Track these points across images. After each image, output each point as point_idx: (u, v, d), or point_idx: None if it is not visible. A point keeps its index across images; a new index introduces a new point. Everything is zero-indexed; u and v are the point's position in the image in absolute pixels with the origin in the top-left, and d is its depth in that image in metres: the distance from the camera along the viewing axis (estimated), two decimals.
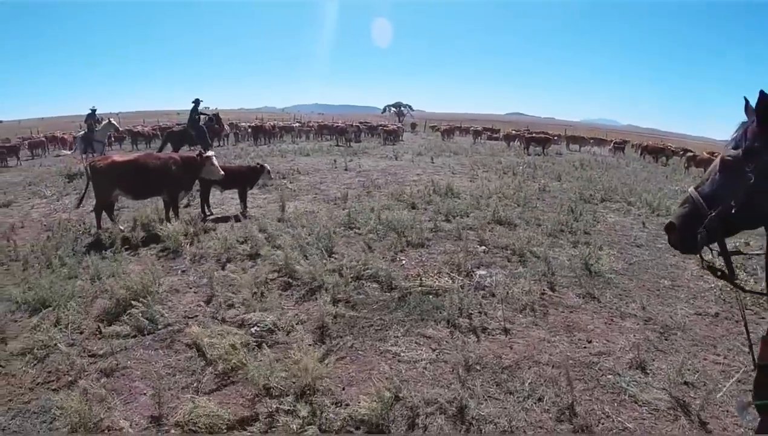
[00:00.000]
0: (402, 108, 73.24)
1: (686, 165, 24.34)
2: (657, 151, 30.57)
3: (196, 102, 18.68)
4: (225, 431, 3.56)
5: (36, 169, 20.11)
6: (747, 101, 2.01)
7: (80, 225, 9.25)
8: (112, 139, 22.13)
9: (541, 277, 6.24)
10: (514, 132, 36.96)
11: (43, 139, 30.28)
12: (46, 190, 14.23)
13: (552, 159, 23.26)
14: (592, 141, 36.82)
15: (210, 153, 9.29)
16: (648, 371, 4.28)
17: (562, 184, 14.12)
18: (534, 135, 31.68)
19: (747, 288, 2.49)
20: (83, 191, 9.32)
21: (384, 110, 76.02)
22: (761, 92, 1.92)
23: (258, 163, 11.08)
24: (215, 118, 20.79)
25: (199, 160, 9.03)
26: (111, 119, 18.97)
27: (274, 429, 3.57)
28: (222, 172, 9.21)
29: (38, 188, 14.69)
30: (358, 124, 38.18)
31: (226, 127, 24.36)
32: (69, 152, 18.44)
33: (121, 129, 21.21)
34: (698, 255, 2.29)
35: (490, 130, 43.24)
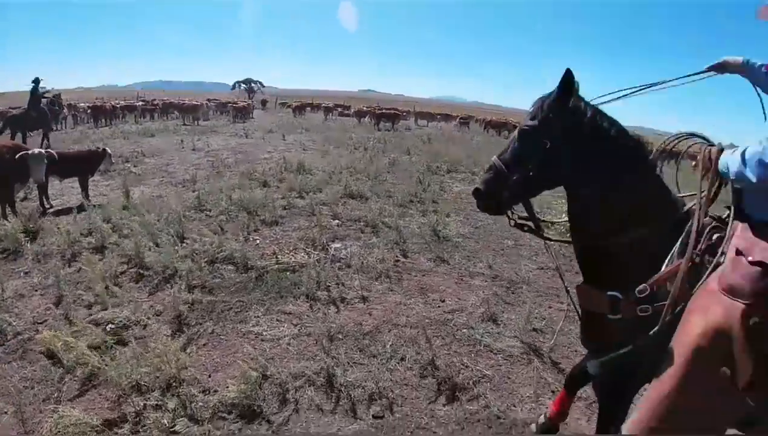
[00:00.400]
0: (252, 84, 71.53)
1: None
2: (499, 125, 32.90)
3: (36, 81, 17.19)
4: None
5: None
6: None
7: None
8: None
9: (394, 245, 6.50)
10: (365, 108, 37.55)
11: None
12: None
13: (401, 134, 24.06)
14: (439, 117, 38.57)
15: (34, 151, 8.36)
16: (499, 323, 4.65)
17: (411, 157, 14.67)
18: (384, 111, 32.45)
19: (554, 237, 2.82)
20: None
21: (234, 87, 73.87)
22: (567, 70, 2.24)
23: (98, 147, 10.31)
24: (55, 100, 19.05)
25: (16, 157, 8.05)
26: None
27: (144, 427, 3.46)
28: (41, 176, 8.37)
29: None
30: (206, 101, 36.62)
31: (65, 109, 22.22)
32: None
33: None
34: (506, 215, 2.60)
35: (342, 106, 43.62)
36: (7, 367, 4.23)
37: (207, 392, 3.71)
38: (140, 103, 36.89)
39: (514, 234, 7.06)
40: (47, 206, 9.05)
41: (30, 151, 8.15)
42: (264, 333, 4.54)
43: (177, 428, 3.35)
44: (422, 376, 3.87)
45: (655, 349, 2.02)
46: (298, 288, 5.28)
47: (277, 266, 5.78)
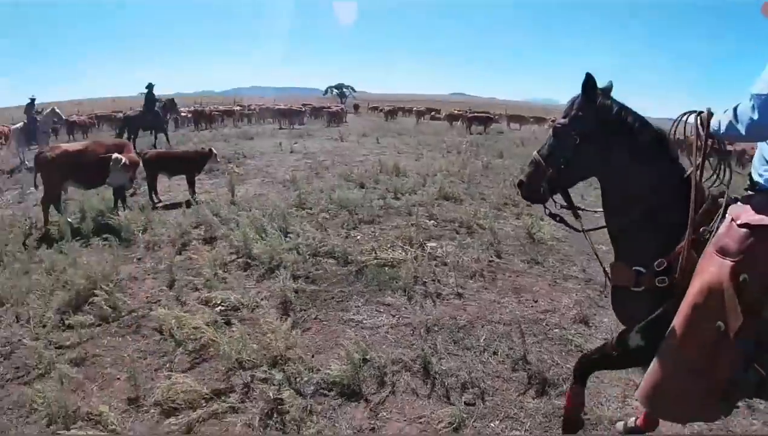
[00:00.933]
0: (344, 89, 72.85)
1: None
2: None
3: (150, 86, 18.96)
4: (204, 404, 3.74)
5: None
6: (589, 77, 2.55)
7: (25, 220, 9.07)
8: (57, 128, 21.27)
9: (488, 246, 6.58)
10: (456, 112, 37.35)
11: None
12: None
13: (494, 137, 23.90)
14: (532, 119, 37.77)
15: (116, 155, 8.89)
16: (590, 325, 4.67)
17: (504, 161, 14.57)
18: (476, 114, 32.22)
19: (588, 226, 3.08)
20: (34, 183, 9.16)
21: (326, 92, 75.48)
22: (587, 74, 2.53)
23: (203, 148, 11.04)
24: (168, 104, 20.74)
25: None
26: (54, 108, 18.28)
27: (251, 398, 3.79)
28: (128, 178, 8.99)
29: None
30: (300, 106, 37.84)
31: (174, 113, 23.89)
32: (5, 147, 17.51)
33: (63, 118, 20.42)
34: (544, 206, 2.92)
35: (433, 110, 43.59)
36: (122, 340, 4.75)
37: (311, 370, 4.00)
38: (237, 108, 38.76)
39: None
40: (156, 201, 9.85)
41: (113, 156, 8.78)
42: (364, 321, 4.81)
43: (283, 396, 3.66)
44: (514, 369, 3.98)
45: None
46: (396, 282, 5.50)
47: (375, 261, 6.04)
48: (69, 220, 8.36)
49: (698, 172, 2.38)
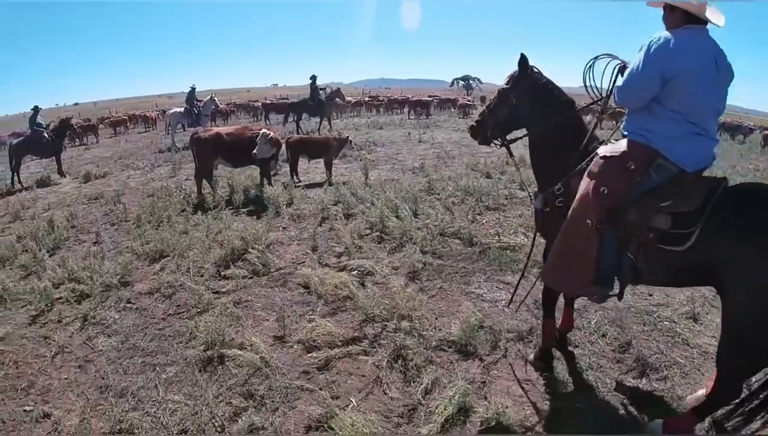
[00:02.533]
0: (470, 81, 71.74)
1: (762, 143, 23.65)
2: (734, 127, 29.16)
3: (313, 78, 21.24)
4: (340, 345, 4.44)
5: (122, 145, 21.89)
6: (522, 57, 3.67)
7: (179, 191, 10.45)
8: (216, 113, 23.82)
9: None
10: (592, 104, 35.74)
11: (125, 117, 32.64)
12: (137, 163, 15.77)
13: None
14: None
15: (263, 130, 9.88)
16: (701, 322, 4.74)
17: None
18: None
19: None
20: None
21: (452, 84, 74.66)
22: (521, 54, 3.66)
23: (341, 135, 11.95)
24: (334, 93, 22.58)
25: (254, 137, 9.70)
26: (213, 96, 20.50)
27: (381, 344, 4.44)
28: (273, 151, 9.90)
29: (129, 161, 16.27)
30: (428, 97, 38.31)
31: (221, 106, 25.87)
32: (175, 130, 19.96)
33: (220, 106, 23.01)
34: (493, 143, 4.18)
35: None
36: (270, 291, 5.64)
37: (434, 329, 4.58)
38: (367, 99, 40.15)
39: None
40: (297, 181, 10.87)
41: (261, 131, 9.83)
42: (484, 295, 5.29)
43: (407, 343, 4.29)
44: (619, 351, 4.24)
45: None
46: (517, 264, 5.89)
47: (498, 244, 6.47)
48: (219, 193, 9.55)
49: (598, 123, 3.62)
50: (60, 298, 5.75)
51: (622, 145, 3.10)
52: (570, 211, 3.20)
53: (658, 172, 2.97)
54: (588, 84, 3.49)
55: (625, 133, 3.16)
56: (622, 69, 3.23)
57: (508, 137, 4.13)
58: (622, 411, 3.56)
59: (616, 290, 3.28)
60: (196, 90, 20.73)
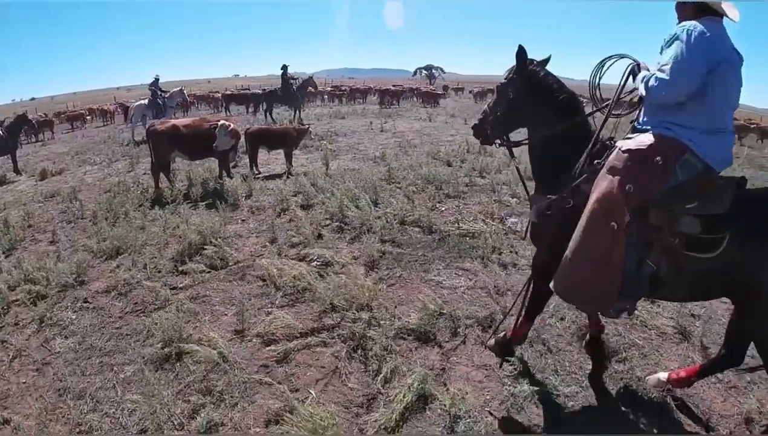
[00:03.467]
0: (433, 70, 71.84)
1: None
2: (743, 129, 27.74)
3: (284, 67, 21.50)
4: (299, 337, 4.38)
5: (80, 140, 21.37)
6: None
7: (137, 185, 10.21)
8: (180, 106, 23.33)
9: None
10: None
11: (83, 111, 31.98)
12: (95, 158, 15.42)
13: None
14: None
15: (222, 122, 9.79)
16: (659, 304, 4.77)
17: None
18: None
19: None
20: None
21: (415, 73, 74.72)
22: (519, 46, 3.31)
23: (302, 124, 11.81)
24: (307, 82, 22.70)
25: (211, 129, 9.59)
26: (182, 87, 20.17)
27: (340, 335, 4.39)
28: (232, 142, 9.79)
29: (86, 157, 15.89)
30: (393, 87, 38.27)
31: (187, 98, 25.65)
32: (137, 123, 19.45)
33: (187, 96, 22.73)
34: (495, 143, 3.84)
35: None
36: (229, 285, 5.54)
37: (393, 318, 4.56)
38: (329, 88, 40.02)
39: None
40: (256, 172, 10.73)
41: (220, 123, 9.70)
42: (443, 282, 5.29)
43: (369, 334, 4.26)
44: (578, 335, 4.26)
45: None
46: (476, 251, 5.91)
47: (458, 231, 6.48)
48: (177, 186, 9.36)
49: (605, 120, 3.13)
50: (16, 300, 5.56)
51: (646, 138, 2.81)
52: (588, 215, 2.85)
53: (683, 169, 2.74)
54: (596, 84, 3.25)
55: (647, 127, 2.90)
56: (634, 69, 3.00)
57: (512, 137, 3.78)
58: (582, 394, 3.60)
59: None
60: (159, 81, 20.26)
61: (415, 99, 35.69)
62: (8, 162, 15.12)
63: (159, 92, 19.40)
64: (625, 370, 3.83)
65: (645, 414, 3.41)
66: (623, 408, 3.48)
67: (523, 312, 3.68)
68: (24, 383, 4.22)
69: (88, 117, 32.18)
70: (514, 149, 3.84)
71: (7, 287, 5.74)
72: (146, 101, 19.61)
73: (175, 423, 3.50)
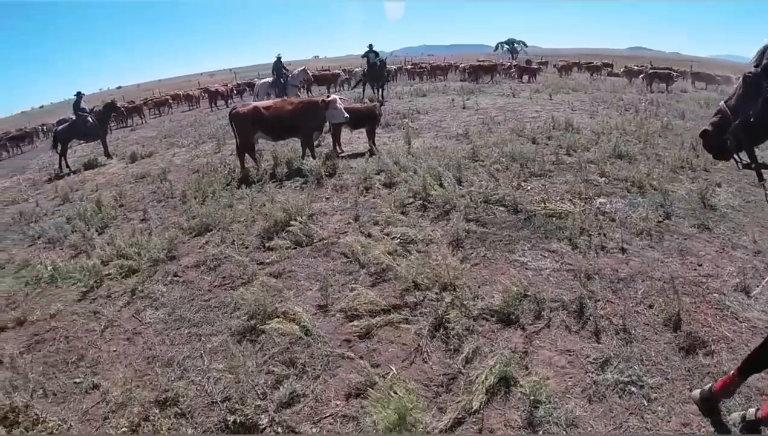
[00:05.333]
0: (515, 45, 70.07)
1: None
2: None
3: (370, 46, 21.64)
4: (382, 314, 4.47)
5: (167, 125, 22.42)
6: None
7: (224, 166, 10.66)
8: (303, 85, 23.95)
9: (659, 207, 6.50)
10: (635, 67, 34.47)
11: (168, 97, 33.46)
12: (182, 141, 16.28)
13: (676, 96, 21.96)
14: (719, 78, 33.77)
15: (333, 96, 9.98)
16: (751, 296, 4.52)
17: (685, 122, 13.51)
18: (657, 71, 29.55)
19: None
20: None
21: (497, 48, 73.18)
22: None
23: (381, 103, 11.90)
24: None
25: (322, 104, 9.78)
26: (305, 67, 20.76)
27: (422, 313, 4.44)
28: (346, 115, 9.85)
29: (174, 140, 16.79)
30: (478, 61, 37.52)
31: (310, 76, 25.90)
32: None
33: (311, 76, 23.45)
34: (733, 159, 2.68)
35: (609, 65, 40.25)
36: (314, 261, 5.73)
37: (476, 298, 4.55)
38: (409, 66, 39.78)
39: None
40: (340, 151, 10.92)
41: (330, 97, 9.94)
42: (528, 263, 5.22)
43: (450, 316, 4.25)
44: (666, 324, 4.11)
45: None
46: (562, 232, 5.78)
47: (544, 211, 6.35)
48: (263, 166, 9.70)
49: None
50: (109, 274, 6.01)
51: None
52: None
53: None
54: None
55: None
56: None
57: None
58: (667, 386, 3.47)
59: None
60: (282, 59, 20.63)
61: (506, 75, 34.70)
62: (99, 147, 16.23)
63: (283, 71, 19.72)
64: (712, 364, 3.65)
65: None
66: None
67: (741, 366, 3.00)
68: (114, 351, 4.56)
69: (173, 103, 33.60)
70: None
71: (101, 261, 6.19)
72: (270, 80, 20.06)
73: (258, 393, 3.65)
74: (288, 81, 19.54)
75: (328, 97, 10.02)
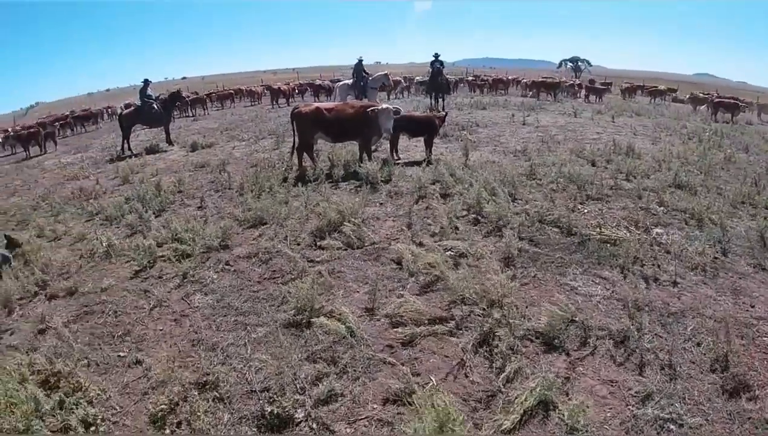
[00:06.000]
0: (579, 63, 68.68)
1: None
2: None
3: (436, 55, 21.34)
4: (427, 323, 4.56)
5: (228, 118, 22.99)
6: None
7: (282, 163, 10.94)
8: (384, 88, 24.25)
9: (716, 242, 6.34)
10: (701, 95, 33.13)
11: (231, 91, 34.16)
12: (243, 135, 16.63)
13: (741, 128, 21.01)
14: None
15: (383, 105, 10.05)
16: None
17: (749, 156, 12.99)
18: (723, 100, 28.38)
19: None
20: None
21: (560, 65, 71.88)
22: None
23: (437, 113, 11.95)
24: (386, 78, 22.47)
25: (371, 113, 9.84)
26: (387, 71, 20.99)
27: (467, 327, 4.51)
28: (389, 128, 9.99)
29: (234, 133, 17.19)
30: (544, 78, 36.79)
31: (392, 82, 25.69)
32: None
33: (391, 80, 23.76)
34: None
35: (673, 91, 38.68)
36: (363, 264, 5.86)
37: (523, 317, 4.58)
38: (470, 78, 39.44)
39: None
40: (396, 158, 11.00)
41: (385, 106, 10.03)
42: (578, 288, 5.21)
43: (498, 333, 4.29)
44: (712, 364, 4.04)
45: None
46: (616, 260, 5.71)
47: (599, 236, 6.27)
48: (320, 166, 9.92)
49: None
50: (162, 256, 6.30)
51: None
52: None
53: None
54: None
55: None
56: None
57: None
58: (707, 428, 3.44)
59: None
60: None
61: (570, 93, 34.01)
62: (162, 133, 16.69)
63: (363, 74, 19.74)
64: (755, 409, 3.58)
65: None
66: None
67: None
68: (161, 330, 4.79)
69: (236, 97, 34.33)
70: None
71: (156, 243, 6.47)
72: (350, 81, 20.19)
73: (298, 387, 3.78)
74: (368, 84, 19.58)
75: (380, 106, 10.13)
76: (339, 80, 26.17)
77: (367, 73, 19.81)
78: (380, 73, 20.15)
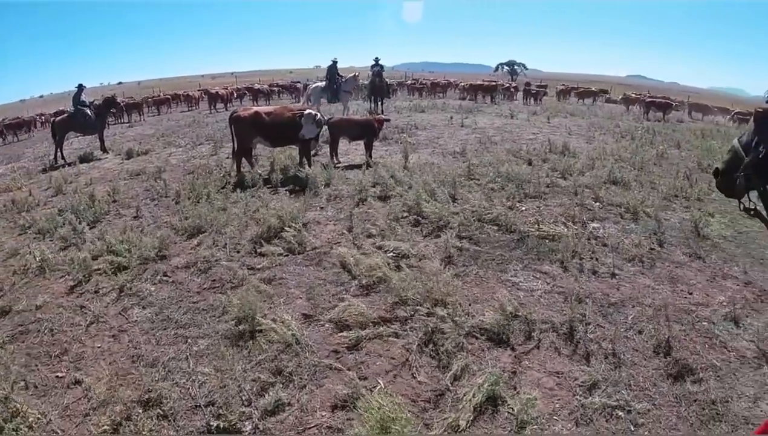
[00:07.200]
0: (515, 66, 70.37)
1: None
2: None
3: (377, 60, 21.40)
4: (371, 326, 4.45)
5: (165, 124, 22.47)
6: None
7: (220, 169, 10.67)
8: (354, 92, 23.88)
9: (652, 234, 6.50)
10: (633, 95, 34.55)
11: (168, 96, 33.49)
12: (179, 141, 16.24)
13: (672, 126, 21.94)
14: (716, 110, 33.93)
15: (308, 111, 9.94)
16: (740, 325, 4.53)
17: (681, 151, 13.46)
18: (654, 100, 29.62)
19: None
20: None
21: (497, 69, 73.45)
22: None
23: (376, 116, 11.94)
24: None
25: (297, 118, 9.74)
26: (356, 74, 20.51)
27: (412, 328, 4.42)
28: (315, 133, 9.94)
29: (171, 139, 16.75)
30: (482, 82, 37.55)
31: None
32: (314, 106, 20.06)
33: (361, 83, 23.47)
34: (738, 200, 2.44)
35: (606, 92, 40.26)
36: (305, 269, 5.70)
37: (467, 315, 4.55)
38: (409, 82, 39.91)
39: None
40: (336, 162, 10.89)
41: (306, 112, 9.86)
42: (520, 284, 5.23)
43: (439, 327, 4.28)
44: (655, 350, 4.11)
45: None
46: (555, 254, 5.79)
47: (538, 232, 6.35)
48: (259, 172, 9.72)
49: None
50: (98, 269, 5.96)
51: None
52: None
53: None
54: None
55: None
56: None
57: None
58: (654, 412, 3.47)
59: None
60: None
61: (507, 96, 34.74)
62: (96, 141, 16.14)
63: (337, 76, 19.44)
64: (700, 391, 3.65)
65: None
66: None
67: None
68: (99, 347, 4.51)
69: (173, 102, 33.63)
70: None
71: (91, 256, 6.14)
72: (323, 84, 19.84)
73: (243, 399, 3.63)
74: (341, 87, 19.39)
75: (303, 110, 10.05)
76: (278, 84, 25.92)
77: (341, 76, 19.58)
78: (350, 76, 19.98)
